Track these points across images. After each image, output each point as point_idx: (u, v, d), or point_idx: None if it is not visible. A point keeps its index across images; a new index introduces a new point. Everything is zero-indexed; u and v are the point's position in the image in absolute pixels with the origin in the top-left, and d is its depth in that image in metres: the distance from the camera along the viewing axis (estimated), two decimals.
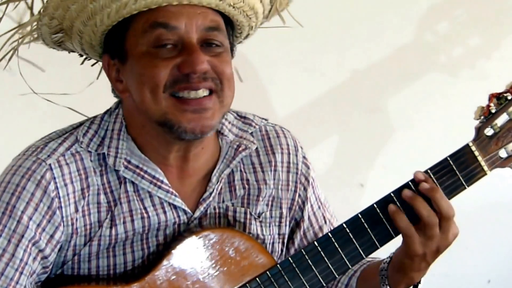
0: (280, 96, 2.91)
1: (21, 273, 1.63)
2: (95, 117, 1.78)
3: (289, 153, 1.88)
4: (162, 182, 1.72)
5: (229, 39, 1.72)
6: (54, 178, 1.66)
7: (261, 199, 1.83)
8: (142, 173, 1.72)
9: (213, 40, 1.65)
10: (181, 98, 1.63)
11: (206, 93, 1.64)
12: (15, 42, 1.74)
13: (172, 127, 1.64)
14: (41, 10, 1.67)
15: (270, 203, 1.86)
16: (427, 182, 1.70)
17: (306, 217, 1.91)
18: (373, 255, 1.77)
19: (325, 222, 1.94)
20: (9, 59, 1.76)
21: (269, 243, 1.85)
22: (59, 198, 1.66)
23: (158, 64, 1.62)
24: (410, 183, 1.72)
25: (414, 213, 1.69)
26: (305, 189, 1.90)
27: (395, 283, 1.76)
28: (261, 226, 1.84)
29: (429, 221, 1.67)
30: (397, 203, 1.71)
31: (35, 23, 1.71)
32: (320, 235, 1.90)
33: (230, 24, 1.72)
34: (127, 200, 1.71)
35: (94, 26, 1.66)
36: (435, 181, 1.72)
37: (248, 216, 1.82)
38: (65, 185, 1.67)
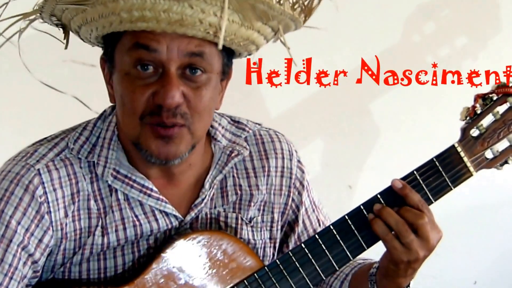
0: (270, 98, 2.91)
1: (11, 278, 1.62)
2: (87, 122, 1.78)
3: (283, 158, 1.88)
4: (151, 190, 1.72)
5: (223, 61, 1.67)
6: (43, 183, 1.66)
7: (252, 204, 1.83)
8: (131, 182, 1.71)
9: (195, 66, 1.61)
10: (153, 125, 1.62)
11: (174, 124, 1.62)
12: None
13: (141, 150, 1.65)
14: (39, 4, 1.66)
15: (262, 207, 1.86)
16: (404, 189, 1.71)
17: (300, 221, 1.91)
18: (362, 255, 1.77)
19: (319, 224, 1.94)
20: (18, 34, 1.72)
21: (261, 248, 1.86)
22: (48, 203, 1.66)
23: (136, 90, 1.60)
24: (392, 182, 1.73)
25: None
26: (300, 194, 1.90)
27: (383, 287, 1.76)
28: (253, 231, 1.84)
29: (398, 229, 1.68)
30: (384, 204, 1.72)
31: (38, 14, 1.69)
32: None
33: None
34: (118, 208, 1.71)
35: (85, 33, 1.65)
36: (421, 182, 1.73)
37: (240, 221, 1.82)
38: (54, 190, 1.67)
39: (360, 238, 1.73)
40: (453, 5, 2.95)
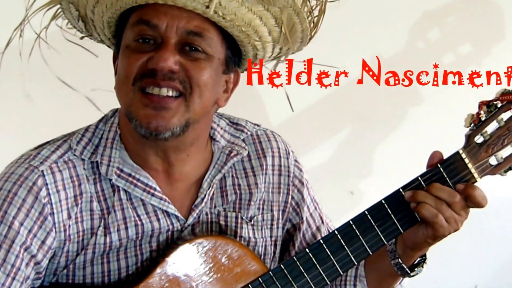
0: (272, 104, 2.92)
1: (14, 278, 1.63)
2: (89, 125, 1.79)
3: (280, 156, 1.89)
4: (155, 189, 1.73)
5: (226, 52, 1.71)
6: (46, 184, 1.67)
7: (252, 203, 1.84)
8: (134, 181, 1.73)
9: (194, 44, 1.65)
10: (147, 93, 1.64)
11: (171, 93, 1.64)
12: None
13: (131, 119, 1.66)
14: None
15: (261, 206, 1.87)
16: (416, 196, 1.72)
17: (304, 219, 1.92)
18: None
19: (322, 222, 1.95)
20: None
21: (261, 246, 1.86)
22: (51, 204, 1.66)
23: (132, 56, 1.65)
24: (401, 189, 1.74)
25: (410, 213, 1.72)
26: (300, 191, 1.91)
27: (408, 258, 1.79)
28: (253, 230, 1.85)
29: (438, 207, 1.69)
30: (389, 209, 1.73)
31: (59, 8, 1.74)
32: (318, 235, 1.92)
33: (232, 39, 1.71)
34: (120, 208, 1.72)
35: (99, 15, 1.69)
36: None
37: (239, 220, 1.83)
38: (58, 191, 1.68)
39: (364, 243, 1.74)
40: (458, 13, 2.95)
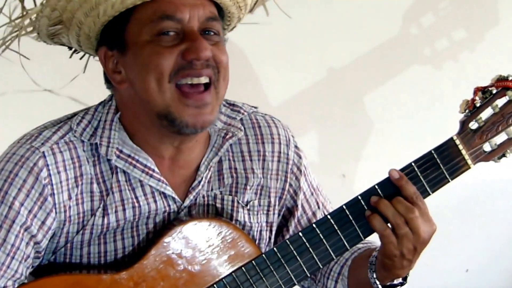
0: (266, 89, 2.92)
1: (13, 258, 1.65)
2: (89, 108, 1.80)
3: (280, 143, 1.90)
4: (153, 171, 1.74)
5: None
6: (47, 165, 1.68)
7: (248, 187, 1.85)
8: (134, 162, 1.73)
9: (211, 29, 1.68)
10: (184, 90, 1.65)
11: (206, 80, 1.66)
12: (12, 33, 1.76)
13: (174, 120, 1.66)
14: (44, 1, 1.69)
15: (258, 191, 1.87)
16: (400, 180, 1.72)
17: (299, 205, 1.93)
18: None
19: (318, 207, 1.96)
20: (4, 49, 1.77)
21: (257, 231, 1.87)
22: (52, 185, 1.67)
23: (162, 51, 1.65)
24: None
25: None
26: (297, 179, 1.92)
27: (381, 278, 1.78)
28: (249, 214, 1.85)
29: (395, 221, 1.69)
30: (381, 195, 1.73)
31: (34, 15, 1.72)
32: (314, 220, 1.92)
33: (221, 15, 1.74)
34: (119, 189, 1.73)
35: (96, 17, 1.67)
36: (419, 174, 1.74)
37: (236, 204, 1.84)
38: (58, 172, 1.69)
39: (357, 228, 1.74)
40: None
